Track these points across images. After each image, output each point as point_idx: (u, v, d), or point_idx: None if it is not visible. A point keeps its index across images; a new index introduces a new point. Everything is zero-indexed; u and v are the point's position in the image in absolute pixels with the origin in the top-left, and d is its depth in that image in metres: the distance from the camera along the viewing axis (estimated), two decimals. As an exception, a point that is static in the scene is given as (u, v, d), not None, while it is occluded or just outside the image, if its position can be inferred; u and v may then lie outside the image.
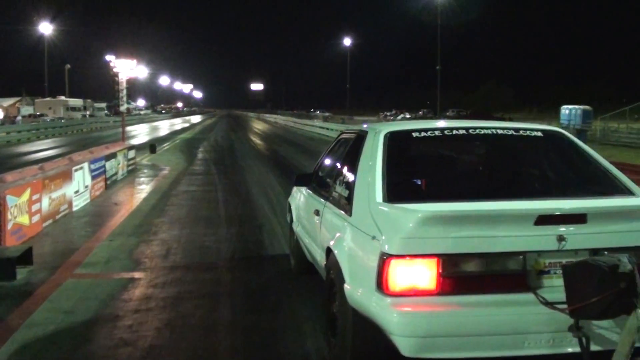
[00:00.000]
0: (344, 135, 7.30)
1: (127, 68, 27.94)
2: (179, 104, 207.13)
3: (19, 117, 71.98)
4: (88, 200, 15.74)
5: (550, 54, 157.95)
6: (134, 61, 28.59)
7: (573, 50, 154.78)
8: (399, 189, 5.22)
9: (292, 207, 8.72)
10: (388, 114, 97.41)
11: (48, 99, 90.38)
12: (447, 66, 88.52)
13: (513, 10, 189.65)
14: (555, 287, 4.54)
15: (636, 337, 4.03)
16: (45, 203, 12.42)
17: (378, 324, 4.60)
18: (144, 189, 18.72)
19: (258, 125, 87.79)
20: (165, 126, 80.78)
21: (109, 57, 34.14)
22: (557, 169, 6.12)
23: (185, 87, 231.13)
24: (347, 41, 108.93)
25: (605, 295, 4.06)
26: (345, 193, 5.82)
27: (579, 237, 4.56)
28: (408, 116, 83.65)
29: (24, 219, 11.18)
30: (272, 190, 17.99)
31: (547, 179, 6.04)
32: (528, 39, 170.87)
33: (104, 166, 17.91)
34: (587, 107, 49.32)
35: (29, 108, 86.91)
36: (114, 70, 28.04)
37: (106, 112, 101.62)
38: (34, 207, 11.73)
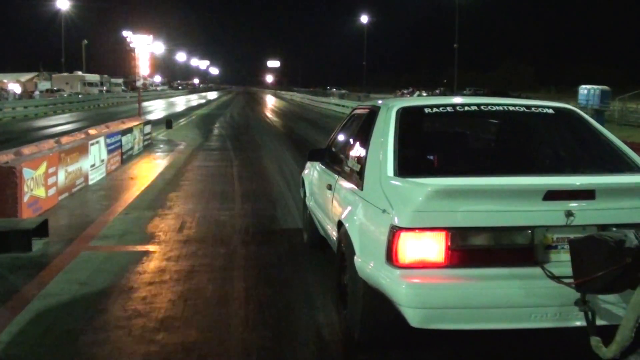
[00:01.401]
0: (357, 111, 7.33)
1: (143, 44, 27.91)
2: (196, 81, 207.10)
3: (37, 92, 72.17)
4: (104, 174, 15.81)
5: (570, 34, 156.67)
6: (151, 37, 28.53)
7: (593, 29, 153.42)
8: (409, 164, 5.29)
9: (305, 182, 8.78)
10: (405, 91, 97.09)
11: (65, 74, 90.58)
12: (465, 45, 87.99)
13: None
14: (562, 261, 4.54)
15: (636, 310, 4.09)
16: (61, 176, 12.49)
17: (387, 296, 4.67)
18: (159, 163, 18.79)
19: (274, 102, 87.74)
20: (181, 102, 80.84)
21: (126, 33, 34.13)
22: (567, 146, 6.12)
23: (202, 64, 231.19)
24: (363, 18, 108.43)
25: (611, 270, 4.08)
26: (357, 168, 5.86)
27: (587, 213, 4.57)
28: (425, 94, 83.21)
29: (40, 192, 11.26)
30: (287, 167, 18.00)
31: (557, 155, 6.03)
32: (548, 17, 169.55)
33: (120, 141, 17.97)
34: (605, 87, 48.98)
35: (46, 83, 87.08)
36: (131, 45, 28.04)
37: (123, 87, 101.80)
38: (50, 180, 11.80)
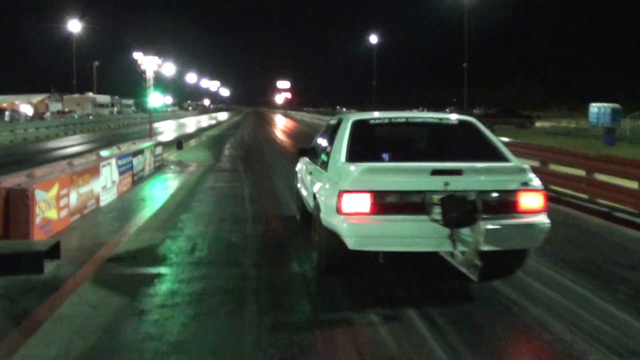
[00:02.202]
0: (331, 121, 10.17)
1: (154, 65, 28.05)
2: (206, 101, 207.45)
3: (48, 114, 72.63)
4: (115, 196, 15.83)
5: (580, 50, 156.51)
6: (161, 59, 28.65)
7: (604, 44, 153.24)
8: (354, 155, 8.09)
9: (297, 174, 11.93)
10: (415, 111, 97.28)
11: (76, 95, 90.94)
12: (475, 63, 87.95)
13: (542, 5, 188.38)
14: (440, 212, 7.29)
15: (480, 238, 7.15)
16: (73, 198, 12.52)
17: (337, 232, 7.55)
18: (170, 185, 18.80)
19: (284, 123, 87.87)
20: (192, 123, 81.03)
21: (137, 55, 34.30)
22: (459, 144, 8.98)
23: (212, 85, 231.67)
24: (373, 38, 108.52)
25: (459, 213, 7.18)
26: (326, 158, 8.78)
27: (456, 183, 7.34)
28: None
29: (52, 214, 11.27)
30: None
31: (450, 149, 9.00)
32: (558, 35, 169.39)
33: (131, 162, 18.01)
34: (616, 105, 48.89)
35: (57, 104, 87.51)
36: (142, 67, 28.18)
37: (133, 108, 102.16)
38: (62, 202, 11.82)
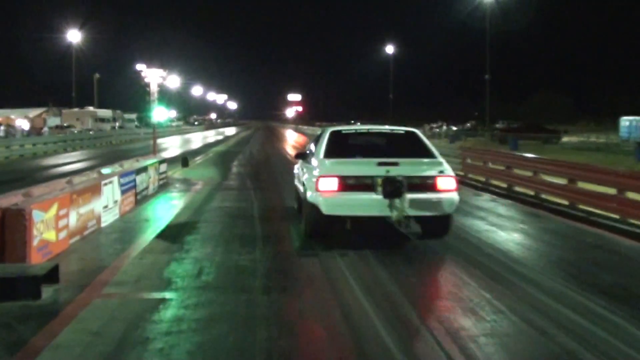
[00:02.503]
0: (317, 132, 14.68)
1: (158, 77, 28.17)
2: (213, 115, 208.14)
3: (46, 129, 72.97)
4: (117, 216, 15.87)
5: (609, 61, 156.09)
6: (165, 71, 28.76)
7: (635, 57, 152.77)
8: (329, 153, 12.53)
9: (295, 173, 16.32)
10: (434, 125, 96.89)
11: (76, 109, 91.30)
12: (498, 75, 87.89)
13: (567, 14, 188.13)
14: (382, 188, 11.58)
15: (405, 206, 11.55)
16: (72, 218, 12.54)
17: (316, 204, 11.83)
18: (175, 204, 18.84)
19: (296, 138, 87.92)
20: (197, 139, 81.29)
21: (140, 67, 34.42)
22: (404, 147, 13.07)
23: (220, 98, 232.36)
24: (389, 48, 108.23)
25: (391, 188, 11.53)
26: (311, 156, 13.28)
27: (394, 171, 11.55)
28: (454, 129, 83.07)
29: (51, 235, 11.29)
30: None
31: (397, 150, 12.84)
32: (585, 44, 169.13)
33: (134, 180, 18.04)
34: (647, 118, 48.71)
35: (55, 119, 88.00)
36: (145, 80, 28.28)
37: (136, 123, 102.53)
38: (61, 223, 11.84)
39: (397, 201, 11.69)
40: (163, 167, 23.46)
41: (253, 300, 8.75)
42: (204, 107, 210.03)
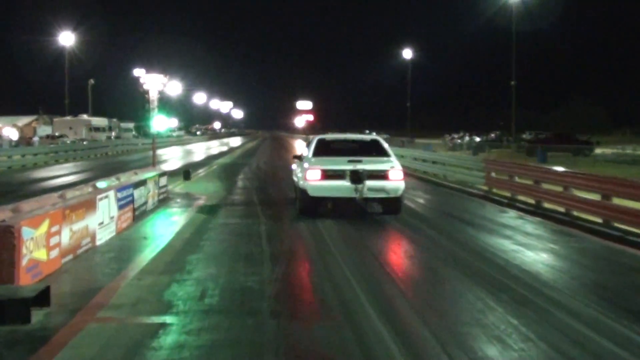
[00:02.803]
0: (309, 138, 27.20)
1: (158, 84, 28.19)
2: (216, 125, 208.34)
3: (36, 138, 73.35)
4: (114, 233, 15.90)
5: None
6: (166, 77, 28.79)
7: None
8: (316, 153, 19.69)
9: (293, 170, 22.36)
10: (455, 136, 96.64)
11: (68, 118, 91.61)
12: (523, 82, 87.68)
13: (600, 15, 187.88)
14: (351, 178, 18.57)
15: (365, 190, 18.64)
16: (65, 236, 12.54)
17: (304, 189, 18.93)
18: (177, 220, 18.86)
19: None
20: (200, 150, 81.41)
21: (138, 72, 34.52)
22: (369, 150, 19.94)
23: (224, 106, 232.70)
24: (407, 53, 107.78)
25: (355, 177, 18.53)
26: (304, 157, 20.42)
27: (359, 166, 18.51)
28: (477, 139, 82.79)
29: (42, 254, 11.28)
30: (322, 223, 17.97)
31: (363, 152, 19.65)
32: (620, 49, 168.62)
33: (132, 195, 18.06)
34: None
35: (46, 128, 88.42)
36: (144, 86, 28.33)
37: (134, 133, 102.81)
38: (53, 241, 11.84)
39: (359, 186, 18.51)
40: (163, 180, 23.48)
41: (261, 326, 8.71)
42: (206, 115, 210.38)
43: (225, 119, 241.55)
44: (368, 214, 19.83)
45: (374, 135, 32.13)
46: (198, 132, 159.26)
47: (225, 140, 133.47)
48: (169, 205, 22.06)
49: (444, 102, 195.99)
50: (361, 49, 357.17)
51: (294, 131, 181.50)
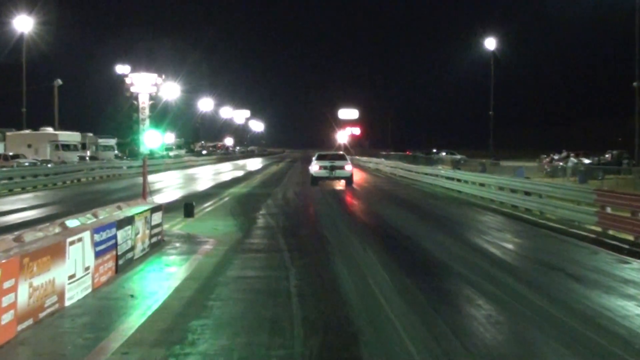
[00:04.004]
0: (315, 155, 73.62)
1: (149, 86, 28.44)
2: (228, 141, 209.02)
3: (-19, 160, 73.40)
4: (89, 290, 15.94)
5: None
6: (161, 77, 29.11)
7: None
8: (317, 159, 69.54)
9: (310, 168, 70.42)
10: (555, 157, 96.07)
11: (27, 131, 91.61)
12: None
13: None
14: (329, 169, 67.50)
15: (334, 172, 66.84)
16: (22, 294, 12.56)
17: (312, 173, 68.42)
18: (175, 273, 19.01)
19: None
20: (207, 175, 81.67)
21: (122, 69, 34.63)
22: (339, 158, 71.17)
23: (239, 116, 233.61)
24: (489, 43, 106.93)
25: (331, 169, 66.85)
26: (313, 159, 72.75)
27: (333, 165, 67.45)
28: (586, 161, 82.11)
29: (-9, 319, 11.27)
30: (373, 278, 18.09)
31: (337, 158, 70.24)
32: None
33: (114, 237, 18.10)
34: None
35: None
36: (131, 89, 28.50)
37: (116, 152, 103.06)
38: (5, 301, 11.84)
39: (332, 172, 62.49)
40: (157, 217, 23.48)
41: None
42: (215, 129, 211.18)
43: (241, 134, 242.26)
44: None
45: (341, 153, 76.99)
46: (204, 152, 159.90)
47: (241, 162, 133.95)
48: (164, 252, 22.15)
49: (541, 110, 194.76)
50: (428, 39, 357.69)
51: (337, 148, 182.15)
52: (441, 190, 54.67)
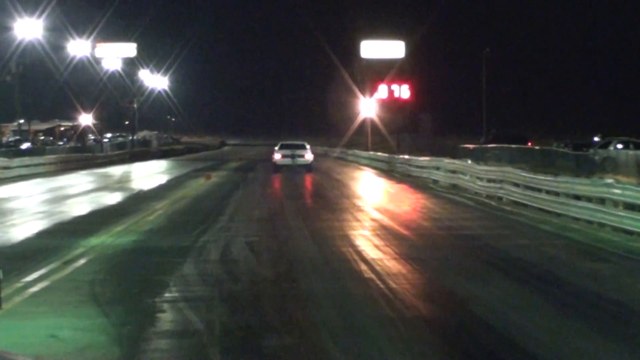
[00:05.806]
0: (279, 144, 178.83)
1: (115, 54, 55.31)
2: (84, 119, 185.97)
3: None
4: None
5: None
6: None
7: None
8: (279, 148, 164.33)
9: (274, 154, 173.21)
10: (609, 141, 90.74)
11: None
12: None
13: None
14: (290, 157, 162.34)
15: (295, 160, 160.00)
16: None
17: (274, 161, 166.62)
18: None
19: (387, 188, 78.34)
20: (30, 201, 70.48)
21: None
22: (301, 146, 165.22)
23: (112, 54, 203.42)
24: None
25: (292, 156, 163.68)
26: (276, 148, 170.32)
27: (294, 153, 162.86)
28: (620, 147, 77.09)
29: None
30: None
31: (298, 147, 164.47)
32: None
33: None
34: None
35: None
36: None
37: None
38: None
39: (294, 160, 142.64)
40: None
41: None
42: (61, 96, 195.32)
43: (134, 105, 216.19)
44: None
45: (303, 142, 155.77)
46: (25, 145, 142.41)
47: (120, 169, 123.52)
48: None
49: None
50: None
51: (347, 139, 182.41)
52: (617, 239, 39.84)
